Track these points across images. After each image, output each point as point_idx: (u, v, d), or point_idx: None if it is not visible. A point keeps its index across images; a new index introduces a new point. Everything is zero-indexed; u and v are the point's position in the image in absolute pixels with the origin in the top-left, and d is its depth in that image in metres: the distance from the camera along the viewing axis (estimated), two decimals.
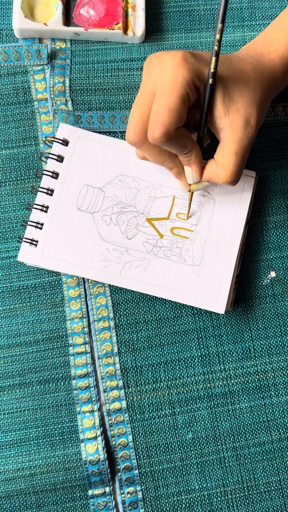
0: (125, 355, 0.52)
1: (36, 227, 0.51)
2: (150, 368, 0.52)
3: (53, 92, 0.55)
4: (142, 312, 0.53)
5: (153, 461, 0.51)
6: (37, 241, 0.51)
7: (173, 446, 0.51)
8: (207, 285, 0.51)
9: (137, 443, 0.51)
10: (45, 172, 0.52)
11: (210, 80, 0.43)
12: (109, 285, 0.53)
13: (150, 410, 0.52)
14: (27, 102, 0.55)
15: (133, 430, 0.51)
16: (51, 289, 0.53)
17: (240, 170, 0.46)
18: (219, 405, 0.52)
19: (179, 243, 0.52)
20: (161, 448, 0.51)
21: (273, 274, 0.54)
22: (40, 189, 0.51)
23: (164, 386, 0.52)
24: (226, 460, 0.51)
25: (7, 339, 0.52)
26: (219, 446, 0.52)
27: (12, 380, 0.51)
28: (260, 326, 0.53)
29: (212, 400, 0.52)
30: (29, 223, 0.51)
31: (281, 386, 0.53)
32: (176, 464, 0.51)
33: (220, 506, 0.51)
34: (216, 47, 0.42)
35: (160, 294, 0.51)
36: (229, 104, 0.45)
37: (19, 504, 0.50)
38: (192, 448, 0.51)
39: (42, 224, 0.51)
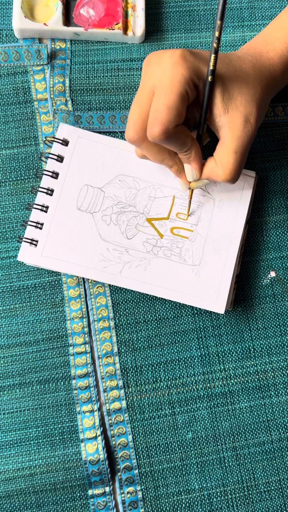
0: (125, 355, 0.52)
1: (36, 227, 0.51)
2: (150, 368, 0.52)
3: (53, 92, 0.55)
4: (142, 312, 0.53)
5: (153, 461, 0.51)
6: (37, 241, 0.51)
7: (173, 446, 0.51)
8: (207, 285, 0.51)
9: (137, 443, 0.51)
10: (45, 172, 0.52)
11: (209, 78, 0.43)
12: (109, 285, 0.53)
13: (150, 410, 0.52)
14: (27, 102, 0.55)
15: (133, 430, 0.51)
16: (51, 289, 0.53)
17: (240, 168, 0.46)
18: (219, 405, 0.52)
19: (179, 243, 0.52)
20: (161, 448, 0.51)
21: (273, 274, 0.54)
22: (40, 189, 0.51)
23: (164, 386, 0.52)
24: (226, 460, 0.51)
25: (7, 339, 0.52)
26: (219, 446, 0.52)
27: (12, 380, 0.51)
28: (260, 326, 0.53)
29: (212, 400, 0.52)
30: (29, 223, 0.51)
31: (281, 386, 0.53)
32: (176, 464, 0.51)
33: (220, 506, 0.51)
34: (215, 45, 0.43)
35: (160, 294, 0.51)
36: (229, 102, 0.45)
37: (19, 504, 0.50)
38: (192, 448, 0.51)
39: (42, 224, 0.51)
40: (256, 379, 0.53)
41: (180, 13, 0.58)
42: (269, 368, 0.53)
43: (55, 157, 0.52)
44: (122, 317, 0.53)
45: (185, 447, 0.51)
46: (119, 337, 0.52)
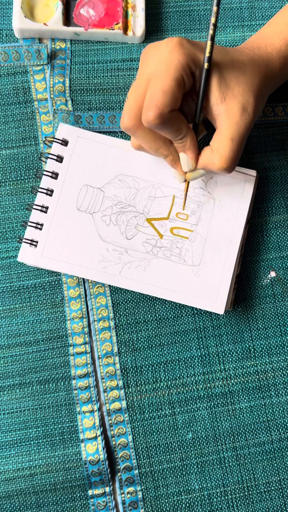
0: (125, 355, 0.52)
1: (36, 227, 0.51)
2: (150, 368, 0.52)
3: (53, 92, 0.55)
4: (142, 312, 0.53)
5: (153, 461, 0.51)
6: (37, 242, 0.51)
7: (173, 446, 0.51)
8: (206, 285, 0.51)
9: (137, 443, 0.51)
10: (45, 173, 0.52)
11: (206, 65, 0.43)
12: (109, 285, 0.53)
13: (150, 410, 0.52)
14: (27, 102, 0.55)
15: (133, 430, 0.51)
16: (51, 289, 0.53)
17: (236, 156, 0.46)
18: (219, 405, 0.52)
19: (179, 243, 0.52)
20: (161, 448, 0.51)
21: (273, 274, 0.54)
22: (39, 190, 0.51)
23: (164, 386, 0.52)
24: (226, 460, 0.51)
25: (7, 339, 0.52)
26: (219, 446, 0.52)
27: (12, 380, 0.51)
28: (260, 326, 0.53)
29: (212, 400, 0.52)
30: (29, 223, 0.51)
31: (281, 386, 0.53)
32: (176, 464, 0.51)
33: (220, 506, 0.51)
34: (211, 31, 0.42)
35: (159, 295, 0.51)
36: (226, 91, 0.45)
37: (19, 504, 0.50)
38: (192, 448, 0.51)
39: (42, 225, 0.51)
40: (256, 379, 0.53)
41: (180, 13, 0.58)
42: (269, 368, 0.53)
43: (55, 157, 0.52)
44: (122, 317, 0.53)
45: (185, 447, 0.51)
46: (119, 337, 0.52)
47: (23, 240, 0.51)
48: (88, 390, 0.52)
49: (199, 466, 0.51)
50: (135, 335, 0.53)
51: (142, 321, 0.53)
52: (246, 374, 0.53)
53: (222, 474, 0.51)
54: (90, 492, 0.50)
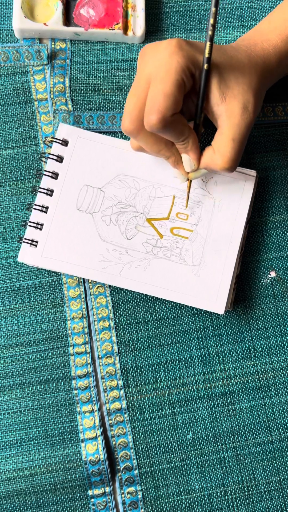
0: (125, 355, 0.52)
1: (36, 227, 0.51)
2: (150, 368, 0.52)
3: (53, 92, 0.55)
4: (142, 312, 0.53)
5: (153, 461, 0.51)
6: (37, 242, 0.51)
7: (173, 446, 0.51)
8: (207, 285, 0.51)
9: (137, 443, 0.51)
10: (45, 173, 0.52)
11: (205, 66, 0.43)
12: (109, 285, 0.53)
13: (150, 410, 0.52)
14: (27, 102, 0.55)
15: (133, 430, 0.51)
16: (51, 289, 0.53)
17: (238, 156, 0.46)
18: (219, 405, 0.52)
19: (179, 243, 0.52)
20: (161, 448, 0.51)
21: (273, 274, 0.54)
22: (39, 190, 0.51)
23: (164, 386, 0.52)
24: (226, 460, 0.51)
25: (7, 339, 0.52)
26: (219, 446, 0.52)
27: (12, 380, 0.51)
28: (260, 326, 0.53)
29: (212, 400, 0.52)
30: (29, 223, 0.51)
31: (281, 386, 0.53)
32: (176, 464, 0.51)
33: (220, 506, 0.51)
34: (210, 32, 0.42)
35: (159, 295, 0.51)
36: (226, 91, 0.45)
37: (19, 504, 0.50)
38: (192, 448, 0.51)
39: (42, 225, 0.51)
40: (256, 379, 0.53)
41: (180, 13, 0.58)
42: (269, 368, 0.53)
43: (55, 158, 0.52)
44: (122, 317, 0.53)
45: (185, 447, 0.51)
46: (119, 337, 0.52)
47: (23, 240, 0.51)
48: (88, 390, 0.52)
49: (199, 466, 0.51)
50: (135, 335, 0.53)
51: (142, 321, 0.53)
52: (246, 374, 0.53)
53: (222, 474, 0.51)
54: (90, 492, 0.50)
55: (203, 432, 0.52)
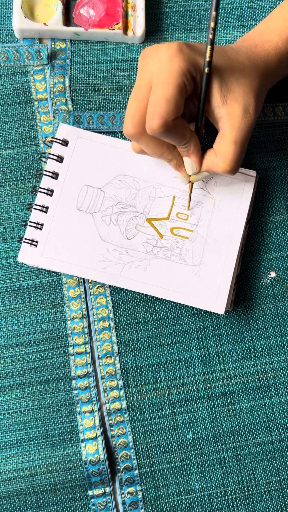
0: (125, 355, 0.52)
1: (36, 227, 0.51)
2: (150, 368, 0.52)
3: (53, 92, 0.55)
4: (142, 312, 0.53)
5: (153, 461, 0.51)
6: (37, 242, 0.51)
7: (173, 446, 0.51)
8: (207, 285, 0.51)
9: (137, 443, 0.51)
10: (45, 173, 0.52)
11: (206, 69, 0.43)
12: (109, 285, 0.53)
13: (150, 410, 0.52)
14: (27, 102, 0.55)
15: (133, 430, 0.51)
16: (51, 289, 0.53)
17: (239, 159, 0.46)
18: (219, 405, 0.52)
19: (179, 243, 0.52)
20: (161, 448, 0.51)
21: (273, 274, 0.54)
22: (40, 190, 0.51)
23: (164, 386, 0.52)
24: (226, 460, 0.51)
25: (7, 339, 0.52)
26: (219, 446, 0.52)
27: (12, 380, 0.51)
28: (260, 326, 0.53)
29: (212, 400, 0.52)
30: (29, 223, 0.51)
31: (281, 386, 0.53)
32: (176, 464, 0.51)
33: (220, 506, 0.51)
34: (211, 36, 0.42)
35: (160, 295, 0.51)
36: (227, 94, 0.45)
37: (19, 504, 0.50)
38: (192, 448, 0.51)
39: (42, 225, 0.51)
40: (256, 379, 0.53)
41: (180, 13, 0.58)
42: (270, 368, 0.53)
43: (55, 158, 0.52)
44: (122, 317, 0.53)
45: (185, 447, 0.51)
46: (119, 337, 0.52)
47: (23, 240, 0.51)
48: (88, 390, 0.52)
49: (199, 466, 0.51)
50: (135, 335, 0.53)
51: (142, 321, 0.53)
52: (246, 374, 0.53)
53: (222, 474, 0.51)
54: (90, 492, 0.50)
55: (203, 432, 0.52)
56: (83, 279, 0.53)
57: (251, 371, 0.53)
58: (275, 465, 0.52)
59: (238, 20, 0.58)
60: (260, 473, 0.51)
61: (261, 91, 0.47)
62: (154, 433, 0.51)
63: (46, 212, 0.51)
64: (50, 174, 0.52)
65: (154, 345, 0.53)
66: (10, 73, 0.55)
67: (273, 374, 0.53)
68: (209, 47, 0.43)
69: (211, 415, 0.52)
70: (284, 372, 0.53)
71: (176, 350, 0.53)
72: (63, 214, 0.51)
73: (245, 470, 0.51)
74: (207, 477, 0.51)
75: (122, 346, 0.52)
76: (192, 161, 0.47)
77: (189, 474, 0.51)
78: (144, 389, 0.52)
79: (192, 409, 0.52)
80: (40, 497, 0.50)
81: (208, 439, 0.52)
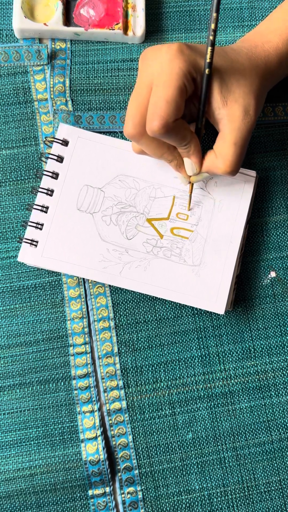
0: (125, 355, 0.52)
1: (36, 227, 0.51)
2: (150, 368, 0.52)
3: (53, 92, 0.55)
4: (142, 312, 0.53)
5: (153, 461, 0.51)
6: (37, 242, 0.51)
7: (173, 446, 0.51)
8: (207, 285, 0.51)
9: (137, 443, 0.51)
10: (45, 173, 0.52)
11: (207, 71, 0.43)
12: (109, 285, 0.53)
13: (150, 410, 0.52)
14: (27, 102, 0.55)
15: (133, 430, 0.51)
16: (51, 289, 0.53)
17: (240, 160, 0.46)
18: (219, 405, 0.52)
19: (179, 243, 0.52)
20: (161, 448, 0.51)
21: (273, 274, 0.54)
22: (40, 190, 0.51)
23: (164, 386, 0.52)
24: (226, 460, 0.51)
25: (7, 339, 0.52)
26: (219, 446, 0.52)
27: (12, 380, 0.51)
28: (260, 326, 0.53)
29: (212, 400, 0.52)
30: (29, 223, 0.51)
31: (281, 386, 0.53)
32: (176, 464, 0.51)
33: (220, 506, 0.51)
34: (211, 37, 0.43)
35: (160, 295, 0.51)
36: (227, 95, 0.45)
37: (19, 504, 0.50)
38: (192, 448, 0.51)
39: (42, 225, 0.51)
40: (256, 379, 0.53)
41: (180, 13, 0.58)
42: (270, 368, 0.53)
43: (55, 158, 0.52)
44: (122, 317, 0.53)
45: (186, 447, 0.51)
46: (119, 337, 0.52)
47: (23, 240, 0.51)
48: (88, 390, 0.52)
49: (199, 466, 0.51)
50: (135, 335, 0.53)
51: (142, 321, 0.53)
52: (246, 374, 0.53)
53: (222, 474, 0.51)
54: (90, 492, 0.50)
55: (203, 432, 0.52)
56: (83, 279, 0.53)
57: (251, 371, 0.53)
58: (275, 465, 0.52)
59: (238, 20, 0.58)
60: (260, 473, 0.51)
61: (262, 92, 0.47)
62: (154, 433, 0.51)
63: (46, 212, 0.51)
64: (50, 174, 0.52)
65: (154, 345, 0.53)
66: (10, 73, 0.55)
67: (273, 374, 0.53)
68: (209, 48, 0.43)
69: (211, 415, 0.52)
70: (284, 372, 0.53)
71: (176, 350, 0.53)
72: (63, 214, 0.51)
73: (245, 470, 0.51)
74: (207, 477, 0.51)
75: (122, 346, 0.52)
76: (193, 162, 0.48)
77: (189, 474, 0.51)
78: (144, 389, 0.52)
79: (192, 409, 0.52)
80: (40, 497, 0.50)
81: (208, 439, 0.52)
